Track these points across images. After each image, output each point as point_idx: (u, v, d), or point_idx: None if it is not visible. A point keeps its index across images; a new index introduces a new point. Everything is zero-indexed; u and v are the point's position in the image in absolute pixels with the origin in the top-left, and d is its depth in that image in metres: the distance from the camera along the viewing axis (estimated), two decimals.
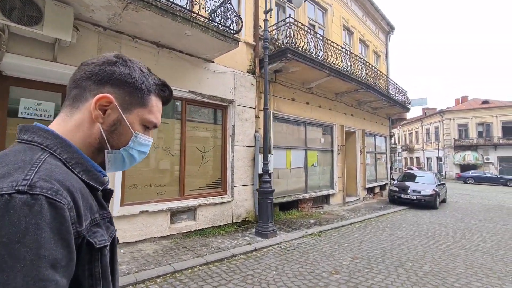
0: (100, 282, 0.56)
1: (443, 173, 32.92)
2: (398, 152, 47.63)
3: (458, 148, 31.74)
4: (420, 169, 34.43)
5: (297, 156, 8.21)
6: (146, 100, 0.69)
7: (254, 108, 6.87)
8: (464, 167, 30.57)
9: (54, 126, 0.63)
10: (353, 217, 7.91)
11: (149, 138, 0.73)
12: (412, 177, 11.93)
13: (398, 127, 47.58)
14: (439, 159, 34.17)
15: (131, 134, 0.68)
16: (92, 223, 0.56)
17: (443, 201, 11.96)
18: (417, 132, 40.77)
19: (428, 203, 10.04)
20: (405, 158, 44.45)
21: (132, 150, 0.70)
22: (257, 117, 6.92)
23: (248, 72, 6.83)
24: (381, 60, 14.21)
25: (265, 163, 5.69)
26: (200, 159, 5.85)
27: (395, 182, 11.82)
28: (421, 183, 11.01)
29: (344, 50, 8.96)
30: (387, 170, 13.95)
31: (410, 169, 34.19)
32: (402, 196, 10.44)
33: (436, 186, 10.62)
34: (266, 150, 5.76)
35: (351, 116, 10.88)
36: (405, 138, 45.08)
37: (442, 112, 34.17)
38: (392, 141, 49.17)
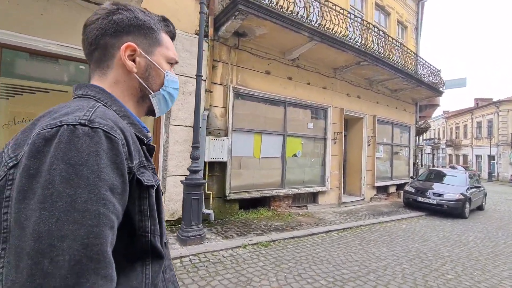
0: (148, 219, 0.59)
1: (495, 174, 28.04)
2: (442, 148, 42.25)
3: None
4: (466, 168, 29.77)
5: (271, 142, 6.65)
6: (159, 38, 0.71)
7: (205, 80, 5.48)
8: None
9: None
10: (339, 222, 6.19)
11: (175, 76, 0.77)
12: (438, 176, 9.53)
13: (443, 119, 42.05)
14: (491, 157, 29.16)
15: (163, 74, 0.72)
16: (140, 164, 0.59)
17: (480, 208, 9.44)
18: (465, 125, 35.37)
19: (452, 210, 7.77)
20: (450, 155, 39.14)
21: (168, 88, 0.74)
22: (209, 91, 5.52)
23: (196, 34, 5.42)
24: (408, 32, 11.62)
25: (195, 147, 4.32)
26: None
27: (413, 181, 9.55)
28: (447, 185, 8.65)
29: (346, 13, 7.01)
30: (409, 166, 11.55)
31: (453, 167, 29.73)
32: (419, 199, 8.27)
33: (467, 189, 8.22)
34: (196, 130, 4.37)
35: (356, 98, 8.86)
36: (450, 132, 39.59)
37: (498, 103, 28.88)
38: (431, 134, 43.85)
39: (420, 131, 21.72)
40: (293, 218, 6.18)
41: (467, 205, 7.97)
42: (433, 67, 10.99)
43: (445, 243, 5.20)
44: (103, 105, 0.60)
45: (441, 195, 7.96)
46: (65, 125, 0.48)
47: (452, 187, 8.31)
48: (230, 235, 4.73)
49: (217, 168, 5.69)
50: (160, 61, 0.71)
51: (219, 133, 5.73)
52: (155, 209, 0.62)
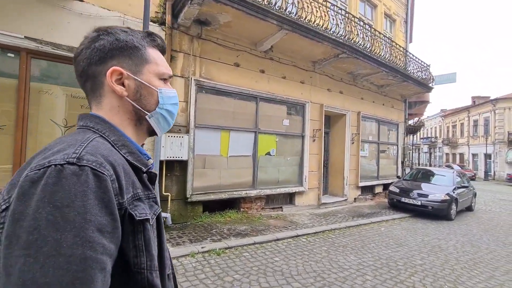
0: (144, 254, 0.57)
1: (491, 173, 27.65)
2: (439, 147, 41.84)
3: None
4: (463, 167, 29.39)
5: (241, 140, 6.21)
6: (146, 55, 0.69)
7: None
8: None
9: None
10: (311, 226, 5.76)
11: (173, 90, 0.74)
12: (425, 176, 9.11)
13: (440, 118, 41.61)
14: (487, 156, 28.75)
15: (156, 92, 0.69)
16: (134, 198, 0.58)
17: (469, 208, 9.03)
18: (462, 124, 34.99)
19: (437, 212, 7.35)
20: (447, 154, 38.73)
21: (166, 105, 0.71)
22: None
23: (152, 21, 4.97)
24: (397, 26, 11.16)
25: None
26: (59, 136, 4.24)
27: (398, 181, 9.12)
28: (433, 185, 8.23)
29: (327, 5, 6.55)
30: (397, 165, 11.12)
31: (449, 166, 29.34)
32: (403, 200, 7.84)
33: (454, 189, 7.79)
34: None
35: (338, 93, 8.41)
36: (447, 131, 39.19)
37: (494, 101, 28.47)
38: (428, 133, 43.60)
39: (413, 130, 21.34)
40: (262, 221, 5.75)
41: (453, 206, 7.55)
42: (422, 62, 10.56)
43: (422, 249, 4.77)
44: (101, 136, 0.61)
45: (425, 195, 7.54)
46: (52, 166, 0.48)
47: (438, 187, 7.89)
48: (183, 242, 4.30)
49: (177, 168, 5.25)
50: (150, 79, 0.69)
51: (179, 130, 5.28)
52: (151, 243, 0.60)
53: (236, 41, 6.05)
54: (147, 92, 0.68)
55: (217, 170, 5.85)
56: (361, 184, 9.12)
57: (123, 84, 0.65)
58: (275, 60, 6.78)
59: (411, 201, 7.66)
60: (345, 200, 8.49)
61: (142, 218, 0.57)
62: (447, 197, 7.36)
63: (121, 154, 0.60)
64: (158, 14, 5.05)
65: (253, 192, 6.27)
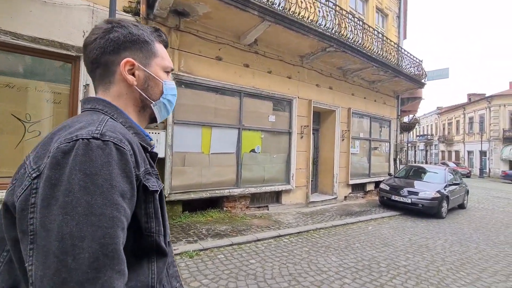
0: (153, 220, 0.65)
1: (487, 170, 27.63)
2: (435, 145, 41.84)
3: (508, 140, 26.21)
4: (458, 164, 29.39)
5: (223, 137, 5.98)
6: (154, 49, 0.75)
7: None
8: None
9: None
10: (296, 225, 5.56)
11: (173, 82, 0.82)
12: (416, 173, 8.93)
13: (436, 115, 41.58)
14: (482, 153, 28.74)
15: (161, 83, 0.77)
16: (146, 172, 0.64)
17: (461, 206, 8.88)
18: (458, 121, 34.97)
19: (428, 210, 7.17)
20: (442, 152, 38.74)
21: (168, 95, 0.79)
22: None
23: (125, 11, 4.72)
24: (389, 21, 10.94)
25: None
26: (22, 132, 3.99)
27: (389, 178, 8.94)
28: (424, 182, 8.06)
29: None
30: (389, 162, 10.94)
31: (444, 164, 29.28)
32: (394, 198, 7.66)
33: (446, 186, 7.62)
34: None
35: (328, 89, 8.20)
36: (443, 128, 39.17)
37: (490, 98, 28.44)
38: (424, 130, 43.43)
39: (408, 127, 21.21)
40: (245, 221, 5.53)
41: (444, 204, 7.38)
42: (415, 57, 10.37)
43: (408, 249, 4.58)
44: (111, 117, 0.66)
45: (416, 193, 7.36)
46: (80, 139, 0.54)
47: (429, 185, 7.71)
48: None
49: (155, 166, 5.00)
50: (157, 71, 0.76)
51: (156, 126, 5.04)
52: (159, 212, 0.68)
53: (218, 34, 5.81)
54: (154, 83, 0.75)
55: (198, 168, 5.62)
56: (352, 181, 8.93)
57: (133, 74, 0.72)
58: (260, 54, 6.54)
59: (401, 199, 7.48)
60: (335, 198, 8.30)
61: (153, 189, 0.64)
62: (438, 195, 7.18)
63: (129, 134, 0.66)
64: (132, 3, 4.79)
65: (236, 191, 6.04)
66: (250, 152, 6.44)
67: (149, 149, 0.72)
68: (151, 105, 0.76)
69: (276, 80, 6.82)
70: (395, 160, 11.13)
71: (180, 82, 5.35)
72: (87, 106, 0.69)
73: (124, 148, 0.57)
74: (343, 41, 6.83)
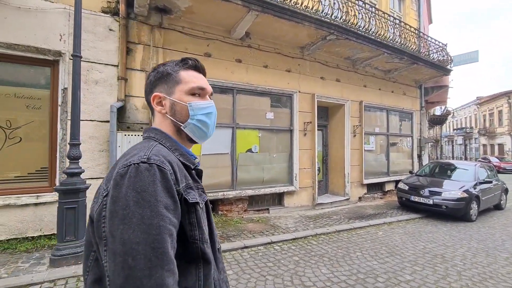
0: (197, 229, 0.74)
1: None
2: (475, 138, 38.13)
3: None
4: (502, 159, 26.37)
5: (216, 136, 5.67)
6: (178, 78, 0.87)
7: (116, 66, 4.66)
8: None
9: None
10: (294, 230, 5.10)
11: (205, 101, 0.90)
12: (442, 170, 7.95)
13: (475, 106, 37.85)
14: None
15: (186, 106, 0.86)
16: (187, 186, 0.75)
17: (497, 207, 7.76)
18: (500, 111, 31.54)
19: (453, 212, 6.29)
20: (484, 145, 35.18)
21: (197, 115, 0.87)
22: (122, 78, 4.69)
23: (103, 12, 4.62)
24: (407, 3, 9.94)
25: (73, 144, 3.50)
26: (3, 139, 4.01)
27: (409, 176, 8.04)
28: (450, 180, 7.11)
29: None
30: (412, 159, 9.93)
31: (485, 159, 26.45)
32: (413, 198, 6.84)
33: (475, 185, 6.65)
34: (75, 122, 3.53)
35: (335, 81, 7.58)
36: (484, 119, 35.57)
37: None
38: (462, 123, 39.73)
39: (439, 120, 19.41)
40: (239, 226, 5.19)
41: (474, 205, 6.42)
42: (437, 41, 9.31)
43: (418, 260, 3.92)
44: (159, 143, 0.81)
45: (438, 193, 6.49)
46: (132, 164, 0.68)
47: (455, 183, 6.77)
48: None
49: None
50: (181, 96, 0.86)
51: (141, 128, 4.89)
52: (202, 221, 0.77)
53: (206, 29, 5.54)
54: (179, 107, 0.86)
55: None
56: (367, 181, 8.19)
57: (162, 104, 0.87)
58: (254, 47, 6.17)
59: (422, 200, 6.64)
60: (347, 199, 7.64)
61: (193, 201, 0.75)
62: (465, 195, 6.26)
63: (174, 155, 0.80)
64: (111, 3, 4.69)
65: (231, 193, 5.72)
66: (246, 152, 6.08)
67: (193, 167, 0.84)
68: (181, 127, 0.86)
69: (273, 75, 6.40)
70: (419, 156, 10.08)
71: None
72: (145, 135, 0.87)
73: (165, 168, 0.69)
74: (344, 27, 6.22)
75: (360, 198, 8.14)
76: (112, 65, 4.62)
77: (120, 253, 0.60)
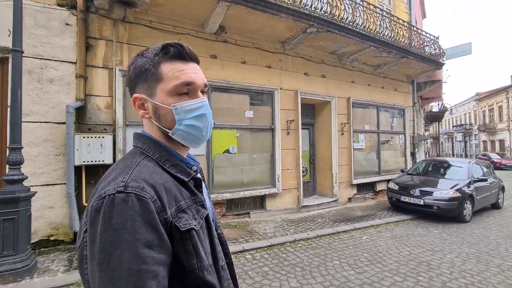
0: (193, 257, 0.64)
1: None
2: (475, 135, 37.65)
3: None
4: (503, 155, 25.91)
5: None
6: (158, 74, 0.70)
7: (74, 63, 4.33)
8: None
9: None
10: (271, 236, 4.74)
11: (193, 101, 0.73)
12: (436, 168, 7.58)
13: (474, 102, 37.40)
14: None
15: (170, 110, 0.71)
16: (177, 210, 0.65)
17: (495, 206, 7.39)
18: (500, 107, 31.09)
19: (445, 212, 5.93)
20: (484, 142, 34.72)
21: (184, 120, 0.72)
22: (81, 76, 4.35)
23: (59, 5, 4.29)
24: None
25: (14, 148, 3.16)
26: None
27: (400, 175, 7.68)
28: (443, 179, 6.74)
29: None
30: (405, 157, 9.55)
31: (485, 155, 26.00)
32: (403, 199, 6.48)
33: (469, 183, 6.28)
34: (14, 124, 3.20)
35: (320, 77, 7.23)
36: (483, 115, 35.14)
37: None
38: (461, 119, 39.41)
39: (436, 117, 19.03)
40: None
41: (468, 205, 6.05)
42: (428, 34, 8.96)
43: (400, 268, 3.56)
44: (147, 155, 0.70)
45: (430, 193, 6.12)
46: (107, 196, 0.58)
47: (447, 182, 6.41)
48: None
49: (103, 174, 4.51)
50: (163, 98, 0.71)
51: (104, 129, 4.56)
52: (199, 247, 0.66)
53: (177, 23, 5.21)
54: (163, 111, 0.71)
55: None
56: (356, 181, 7.82)
57: (146, 108, 0.73)
58: (231, 42, 5.83)
59: (412, 200, 6.28)
60: (335, 201, 7.28)
61: (186, 228, 0.64)
62: (458, 194, 5.89)
63: (165, 169, 0.69)
64: None
65: None
66: (223, 153, 5.74)
67: (186, 180, 0.72)
68: (170, 134, 0.73)
69: (252, 71, 6.06)
70: (412, 154, 9.71)
71: None
72: (133, 143, 0.76)
73: (145, 197, 0.59)
74: (326, 19, 5.87)
75: (349, 199, 7.78)
76: (69, 62, 4.29)
77: None
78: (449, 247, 4.41)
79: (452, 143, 45.32)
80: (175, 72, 0.70)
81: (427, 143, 44.89)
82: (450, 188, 6.03)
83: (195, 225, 0.66)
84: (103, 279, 0.53)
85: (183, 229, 0.63)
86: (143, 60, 0.71)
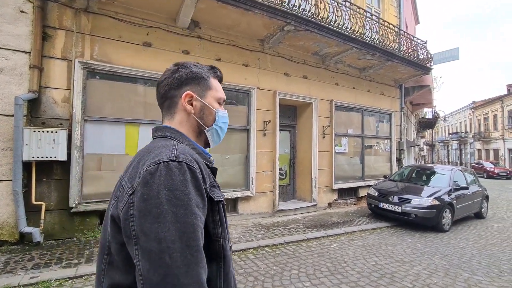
0: (219, 227, 0.77)
1: None
2: (470, 143, 37.59)
3: None
4: (496, 164, 25.80)
5: None
6: (210, 83, 0.91)
7: (28, 53, 4.09)
8: None
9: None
10: (238, 241, 4.49)
11: (225, 111, 0.96)
12: (419, 175, 7.37)
13: (470, 110, 37.37)
14: None
15: (214, 112, 0.91)
16: (211, 185, 0.76)
17: (478, 215, 7.16)
18: (495, 115, 31.04)
19: (423, 221, 5.71)
20: (479, 150, 34.65)
21: (220, 123, 0.93)
22: (35, 67, 4.11)
23: None
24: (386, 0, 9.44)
25: None
26: None
27: (381, 181, 7.45)
28: (424, 186, 6.51)
29: None
30: (391, 163, 9.34)
31: (478, 164, 25.88)
32: (382, 205, 6.26)
33: (450, 191, 6.06)
34: None
35: (301, 78, 7.03)
36: (478, 124, 35.10)
37: None
38: (457, 127, 39.28)
39: (429, 124, 18.89)
40: None
41: (447, 214, 5.84)
42: (416, 38, 8.80)
43: (360, 281, 3.32)
44: (178, 142, 0.80)
45: (408, 200, 5.90)
46: (162, 163, 0.67)
47: (428, 189, 6.19)
48: (38, 265, 3.27)
49: (57, 171, 4.27)
50: (211, 101, 0.90)
51: (60, 124, 4.31)
52: (224, 219, 0.78)
53: (146, 16, 4.99)
54: (208, 111, 0.90)
55: (117, 173, 4.79)
56: (337, 186, 7.60)
57: (192, 104, 0.88)
58: (205, 38, 5.62)
59: (390, 207, 6.05)
60: (314, 205, 7.04)
61: (218, 199, 0.76)
62: (436, 202, 5.67)
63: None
64: None
65: None
66: None
67: (210, 165, 0.85)
68: (205, 130, 0.90)
69: (227, 69, 5.82)
70: (398, 160, 9.50)
71: (94, 73, 4.59)
72: (158, 133, 0.86)
73: (194, 167, 0.70)
74: (304, 17, 5.67)
75: (330, 204, 7.55)
76: (22, 51, 4.05)
77: (156, 251, 0.60)
78: (419, 258, 4.17)
79: (448, 150, 45.27)
80: (219, 87, 0.94)
81: (422, 150, 44.86)
82: (429, 196, 5.81)
83: (223, 199, 0.80)
84: (160, 229, 0.61)
85: (216, 200, 0.75)
86: (199, 70, 0.89)
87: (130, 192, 0.68)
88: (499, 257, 4.34)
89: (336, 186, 7.55)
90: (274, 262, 3.82)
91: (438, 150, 49.88)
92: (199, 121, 0.87)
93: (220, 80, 0.97)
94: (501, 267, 3.94)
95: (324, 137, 7.41)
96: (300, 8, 5.72)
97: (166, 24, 5.20)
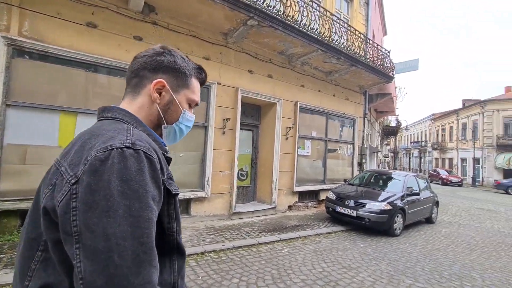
0: (174, 221, 0.72)
1: (480, 179, 26.10)
2: (429, 152, 40.33)
3: (502, 148, 24.74)
4: (450, 172, 27.84)
5: None
6: (189, 82, 0.85)
7: None
8: (509, 173, 23.61)
9: (123, 107, 0.79)
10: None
11: (193, 115, 0.89)
12: (377, 180, 7.51)
13: (430, 121, 40.15)
14: (475, 161, 27.24)
15: (181, 112, 0.84)
16: (168, 176, 0.71)
17: (429, 220, 7.44)
18: (451, 127, 33.56)
19: (376, 225, 5.77)
20: (436, 159, 37.23)
21: (182, 124, 0.86)
22: None
23: None
24: (355, 6, 9.61)
25: None
26: None
27: (340, 185, 7.51)
28: (379, 191, 6.62)
29: None
30: (352, 167, 9.51)
31: (435, 171, 27.78)
32: (339, 209, 6.24)
33: (402, 197, 6.20)
34: None
35: (266, 77, 6.84)
36: (437, 134, 37.75)
37: (483, 103, 27.08)
38: (418, 137, 41.92)
39: (391, 131, 19.81)
40: None
41: (398, 219, 5.95)
42: (380, 47, 9.05)
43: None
44: (132, 127, 0.71)
45: (363, 204, 5.93)
46: (115, 149, 0.59)
47: (382, 194, 6.28)
48: None
49: None
50: (182, 100, 0.84)
51: None
52: (179, 213, 0.74)
53: None
54: (174, 108, 0.83)
55: (45, 168, 4.22)
56: (298, 188, 7.51)
57: (160, 94, 0.80)
58: (162, 26, 5.21)
59: (346, 211, 6.05)
60: (273, 208, 6.87)
61: (175, 192, 0.72)
62: (389, 207, 5.76)
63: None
64: None
65: None
66: None
67: (166, 154, 0.77)
68: (163, 126, 0.83)
69: None
70: (360, 164, 9.69)
71: (22, 51, 3.99)
72: (106, 114, 0.75)
73: (152, 156, 0.63)
74: (268, 13, 5.48)
75: (290, 207, 7.44)
76: None
77: (103, 250, 0.53)
78: (367, 263, 4.13)
79: (409, 158, 48.25)
80: (197, 90, 0.89)
81: (387, 157, 47.17)
82: (383, 201, 5.89)
83: (179, 192, 0.75)
84: (110, 225, 0.53)
85: (174, 192, 0.71)
86: (183, 63, 0.83)
87: (73, 181, 0.59)
88: (441, 262, 4.44)
89: (297, 189, 7.46)
90: (216, 269, 3.53)
91: (401, 157, 52.96)
92: (161, 113, 0.81)
93: (202, 83, 0.91)
94: (442, 272, 4.01)
95: (287, 138, 7.29)
96: (265, 3, 5.52)
97: (115, 5, 4.71)
